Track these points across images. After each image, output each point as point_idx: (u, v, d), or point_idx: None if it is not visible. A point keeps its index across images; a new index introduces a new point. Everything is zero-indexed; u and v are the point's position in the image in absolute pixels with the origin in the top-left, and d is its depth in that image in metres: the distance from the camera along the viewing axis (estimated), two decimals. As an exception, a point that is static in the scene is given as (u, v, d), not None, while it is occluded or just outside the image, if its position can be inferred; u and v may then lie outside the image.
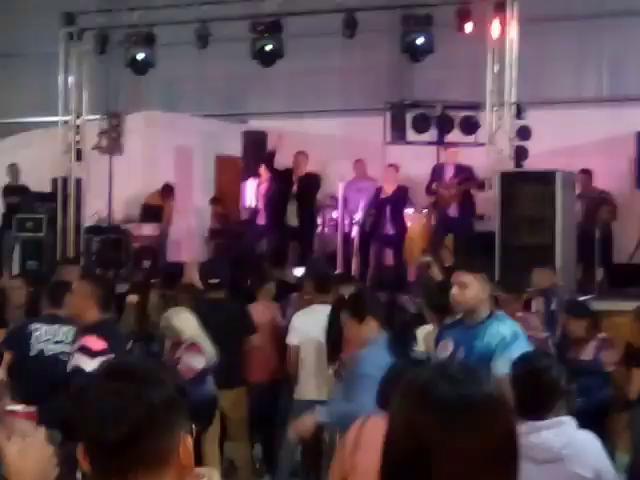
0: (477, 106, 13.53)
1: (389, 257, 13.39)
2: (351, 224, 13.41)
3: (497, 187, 11.63)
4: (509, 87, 12.11)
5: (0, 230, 14.56)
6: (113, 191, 15.19)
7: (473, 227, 13.04)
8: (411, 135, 14.36)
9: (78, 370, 5.45)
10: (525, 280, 8.92)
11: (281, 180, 13.78)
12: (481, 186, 12.63)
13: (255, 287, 9.00)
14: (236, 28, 13.68)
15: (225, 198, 16.05)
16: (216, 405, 7.25)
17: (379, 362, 4.90)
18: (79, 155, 14.37)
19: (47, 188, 14.54)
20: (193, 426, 1.94)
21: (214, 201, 15.86)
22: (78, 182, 14.34)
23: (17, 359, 6.63)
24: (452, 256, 12.85)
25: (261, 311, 8.38)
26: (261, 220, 14.13)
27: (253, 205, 14.29)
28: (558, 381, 4.15)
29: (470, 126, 13.80)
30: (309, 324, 7.55)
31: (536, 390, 4.07)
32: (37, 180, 14.71)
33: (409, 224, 13.51)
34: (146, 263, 14.28)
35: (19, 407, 2.16)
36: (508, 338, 5.03)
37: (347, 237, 13.42)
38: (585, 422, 4.16)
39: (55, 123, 14.69)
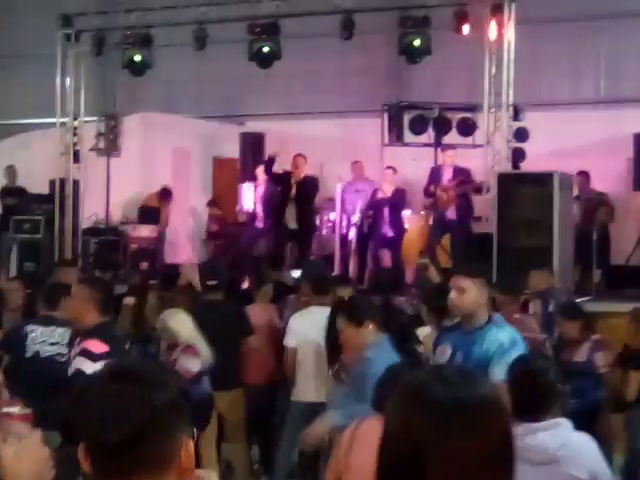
0: (474, 108, 13.54)
1: (387, 259, 13.39)
2: (349, 226, 13.41)
3: (494, 189, 11.64)
4: (506, 89, 12.11)
5: (-3, 232, 14.55)
6: (111, 193, 15.19)
7: (471, 229, 13.04)
8: (408, 137, 14.38)
9: (79, 373, 5.45)
10: (523, 282, 8.91)
11: (280, 183, 13.78)
12: (478, 190, 12.61)
13: (253, 289, 9.00)
14: (233, 30, 13.68)
15: (223, 200, 16.04)
16: (213, 405, 7.24)
17: (387, 362, 4.93)
18: (77, 157, 14.37)
19: (45, 190, 14.53)
20: (195, 430, 1.94)
21: (211, 204, 15.87)
22: (76, 184, 14.33)
23: (13, 361, 6.63)
24: (449, 258, 12.87)
25: (258, 313, 8.38)
26: (259, 223, 14.14)
27: (250, 209, 14.30)
28: (555, 383, 4.16)
29: (467, 128, 13.82)
30: (307, 326, 7.55)
31: (533, 392, 4.07)
32: (35, 182, 14.70)
33: (407, 226, 13.52)
34: (144, 265, 14.29)
35: (15, 409, 2.16)
36: (506, 345, 5.00)
37: (345, 239, 13.42)
38: (578, 424, 4.16)
39: (53, 125, 14.68)
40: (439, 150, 14.01)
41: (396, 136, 14.46)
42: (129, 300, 8.82)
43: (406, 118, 14.28)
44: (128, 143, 15.22)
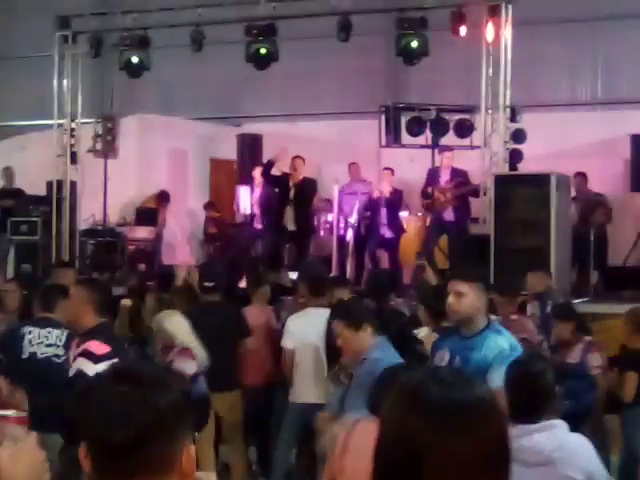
0: (472, 109, 13.54)
1: (384, 260, 13.40)
2: (346, 227, 13.41)
3: (492, 190, 11.64)
4: (503, 90, 12.12)
5: (-5, 233, 14.54)
6: (108, 194, 15.18)
7: (468, 230, 13.04)
8: (406, 138, 14.37)
9: (81, 374, 5.45)
10: (520, 283, 8.91)
11: (278, 185, 13.80)
12: (475, 194, 12.61)
13: (250, 290, 9.00)
14: (231, 31, 13.69)
15: (220, 201, 16.05)
16: (209, 405, 7.24)
17: (394, 362, 5.01)
18: (74, 158, 14.36)
19: (42, 191, 14.52)
20: (196, 434, 1.94)
21: (208, 206, 15.87)
22: (73, 185, 14.33)
23: (9, 362, 6.62)
24: (447, 259, 12.87)
25: (256, 314, 8.38)
26: (257, 224, 14.15)
27: (248, 212, 14.31)
28: (553, 385, 4.16)
29: (465, 129, 13.81)
30: (304, 327, 7.55)
31: (531, 394, 4.07)
32: (32, 183, 14.69)
33: (405, 227, 13.53)
34: (141, 266, 14.29)
35: (11, 412, 2.16)
36: (507, 351, 4.96)
37: (342, 240, 13.42)
38: (571, 425, 4.16)
39: (50, 126, 14.68)
40: (436, 151, 14.01)
41: (393, 137, 14.46)
42: (126, 302, 8.81)
43: (403, 119, 14.27)
44: (125, 145, 15.20)
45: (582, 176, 13.17)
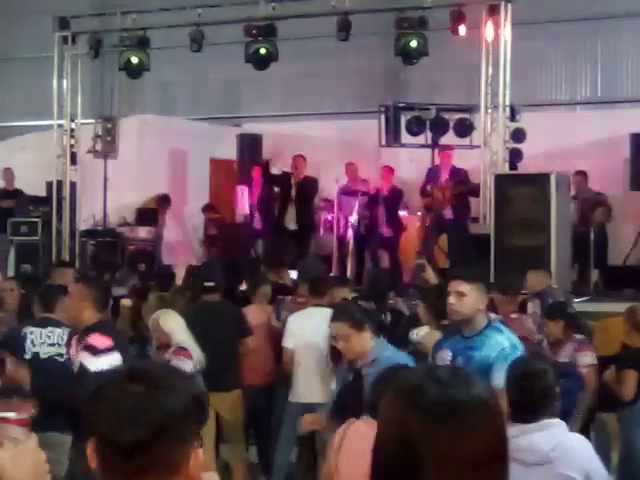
0: (471, 108, 13.54)
1: (384, 259, 13.40)
2: (346, 226, 13.42)
3: (492, 189, 11.64)
4: (503, 89, 12.12)
5: (-6, 234, 14.53)
6: (108, 194, 15.18)
7: (468, 229, 13.04)
8: (406, 138, 14.37)
9: (83, 369, 5.47)
10: (520, 282, 8.92)
11: (279, 184, 13.80)
12: (475, 193, 12.61)
13: (251, 289, 9.00)
14: (230, 32, 13.69)
15: (220, 201, 16.05)
16: (207, 403, 7.24)
17: (403, 360, 5.10)
18: (74, 159, 14.36)
19: (42, 192, 14.53)
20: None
21: (206, 209, 15.85)
22: (73, 186, 14.33)
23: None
24: (446, 258, 12.87)
25: (256, 313, 8.38)
26: (257, 224, 14.14)
27: (247, 212, 14.31)
28: (552, 385, 4.16)
29: (464, 128, 13.81)
30: (305, 327, 7.56)
31: (531, 394, 4.08)
32: (32, 184, 14.69)
33: (405, 226, 13.54)
34: (141, 266, 14.28)
35: (11, 414, 2.16)
36: (508, 349, 4.98)
37: (342, 239, 13.42)
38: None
39: (50, 127, 14.68)
40: (436, 151, 14.01)
41: (393, 137, 14.45)
42: (127, 302, 8.83)
43: (403, 119, 14.26)
44: (125, 145, 15.20)
45: (582, 175, 13.16)
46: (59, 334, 6.62)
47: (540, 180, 11.26)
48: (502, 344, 5.03)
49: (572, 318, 7.81)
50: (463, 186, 12.85)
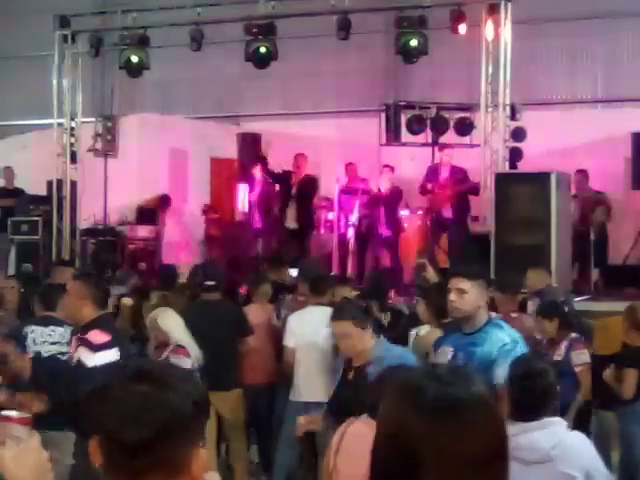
0: (472, 107, 13.55)
1: (385, 258, 13.40)
2: (347, 225, 13.42)
3: (492, 188, 11.64)
4: (503, 88, 12.12)
5: (-5, 233, 14.54)
6: (108, 193, 15.18)
7: (468, 228, 13.05)
8: (406, 136, 14.38)
9: (80, 364, 5.48)
10: (520, 281, 8.92)
11: (279, 182, 13.81)
12: (475, 192, 12.61)
13: (251, 288, 9.00)
14: (230, 30, 13.70)
15: (220, 200, 16.06)
16: (209, 402, 7.23)
17: (409, 360, 5.15)
18: (74, 157, 14.36)
19: (42, 190, 14.53)
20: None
21: (206, 210, 15.86)
22: (73, 184, 14.33)
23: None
24: (447, 257, 12.88)
25: (257, 312, 8.38)
26: (257, 222, 14.15)
27: (246, 210, 14.31)
28: (553, 384, 4.17)
29: (465, 127, 13.82)
30: (305, 326, 7.55)
31: (532, 393, 4.08)
32: (32, 182, 14.69)
33: (405, 225, 13.53)
34: (142, 265, 14.29)
35: (13, 413, 2.16)
36: (508, 345, 4.99)
37: (343, 238, 13.43)
38: None
39: (50, 125, 14.67)
40: (437, 150, 14.02)
41: (394, 136, 14.46)
42: (127, 301, 8.83)
43: (403, 118, 14.27)
44: (125, 144, 15.20)
45: (582, 174, 13.17)
46: (61, 333, 6.62)
47: (540, 179, 11.27)
48: (503, 340, 5.04)
49: (567, 317, 7.82)
50: (462, 184, 12.85)
